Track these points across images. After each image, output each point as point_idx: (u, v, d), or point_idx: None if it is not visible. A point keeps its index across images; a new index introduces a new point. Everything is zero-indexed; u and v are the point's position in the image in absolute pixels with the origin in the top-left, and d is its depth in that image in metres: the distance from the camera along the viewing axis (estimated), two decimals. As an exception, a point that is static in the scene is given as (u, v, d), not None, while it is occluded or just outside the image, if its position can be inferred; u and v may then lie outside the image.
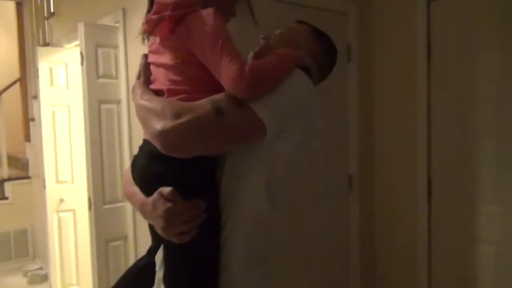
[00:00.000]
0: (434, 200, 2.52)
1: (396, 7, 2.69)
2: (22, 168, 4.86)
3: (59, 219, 3.50)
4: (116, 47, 2.73)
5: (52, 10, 3.89)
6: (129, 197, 1.17)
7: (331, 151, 2.66)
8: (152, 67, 1.13)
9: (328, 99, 2.59)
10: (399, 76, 2.69)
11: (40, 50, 3.46)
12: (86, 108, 2.66)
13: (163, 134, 0.92)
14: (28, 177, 4.69)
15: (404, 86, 2.66)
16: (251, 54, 1.21)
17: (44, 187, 3.48)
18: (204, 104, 0.95)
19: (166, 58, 1.07)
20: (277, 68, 1.02)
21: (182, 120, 0.91)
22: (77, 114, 3.43)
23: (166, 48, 1.07)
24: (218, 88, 0.99)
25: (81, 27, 2.62)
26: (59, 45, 3.66)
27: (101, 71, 2.68)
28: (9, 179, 4.58)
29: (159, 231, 1.00)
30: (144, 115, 1.02)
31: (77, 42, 3.31)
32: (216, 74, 1.00)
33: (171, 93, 1.04)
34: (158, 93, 1.07)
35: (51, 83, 3.47)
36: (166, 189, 0.97)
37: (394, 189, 2.75)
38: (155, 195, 0.99)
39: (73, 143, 3.51)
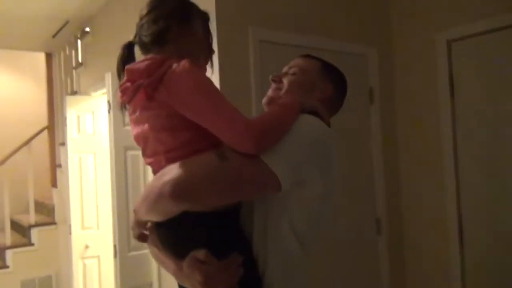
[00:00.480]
0: (466, 246, 2.43)
1: (416, 48, 2.70)
2: (48, 214, 4.90)
3: (84, 265, 3.50)
4: (141, 95, 2.79)
5: (80, 61, 4.05)
6: (160, 262, 1.14)
7: (357, 194, 2.62)
8: (138, 139, 1.09)
9: (351, 142, 2.58)
10: (423, 116, 2.67)
11: (69, 99, 3.58)
12: (112, 155, 2.70)
13: (171, 185, 0.90)
14: (54, 223, 4.72)
15: (429, 126, 2.63)
16: (265, 100, 1.22)
17: (70, 233, 3.50)
18: (207, 153, 0.95)
19: (150, 127, 1.01)
20: (281, 119, 0.99)
21: (186, 169, 0.91)
22: (103, 161, 3.49)
23: (148, 117, 1.01)
24: (213, 145, 0.97)
25: (108, 77, 2.71)
26: (86, 93, 3.78)
27: (127, 119, 2.73)
28: (36, 225, 4.62)
29: None
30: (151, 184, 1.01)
31: (104, 91, 3.43)
32: (214, 131, 0.95)
33: (169, 161, 0.99)
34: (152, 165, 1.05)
35: (78, 130, 3.56)
36: (199, 252, 0.96)
37: (423, 234, 2.66)
38: (189, 259, 0.97)
39: (98, 189, 3.55)
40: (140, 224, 1.09)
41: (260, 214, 1.05)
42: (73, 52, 4.20)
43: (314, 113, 1.09)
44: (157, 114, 1.00)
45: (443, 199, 2.52)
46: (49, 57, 4.98)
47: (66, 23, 3.90)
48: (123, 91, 1.05)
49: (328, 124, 1.13)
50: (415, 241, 2.71)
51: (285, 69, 1.27)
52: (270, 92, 1.24)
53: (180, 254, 1.01)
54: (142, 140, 1.07)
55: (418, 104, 2.69)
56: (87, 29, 3.84)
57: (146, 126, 1.03)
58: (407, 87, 2.75)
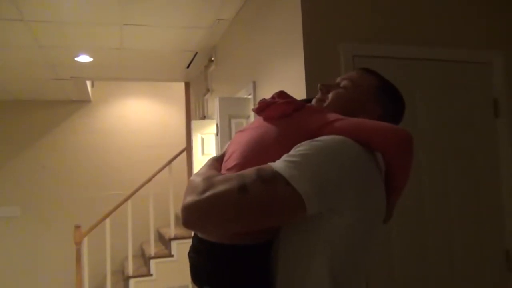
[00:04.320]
0: None
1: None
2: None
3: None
4: (248, 117, 2.89)
5: (207, 87, 4.39)
6: None
7: (482, 222, 2.26)
8: (232, 145, 1.12)
9: (472, 162, 2.25)
10: None
11: (194, 123, 3.89)
12: (220, 176, 2.83)
13: (184, 209, 0.90)
14: (191, 237, 5.12)
15: None
16: (313, 101, 1.14)
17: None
18: (231, 179, 0.91)
19: (264, 135, 1.04)
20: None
21: (203, 196, 0.88)
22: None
23: (272, 128, 1.04)
24: None
25: (216, 101, 2.87)
26: (211, 117, 4.07)
27: (235, 141, 2.85)
28: (175, 238, 5.08)
29: None
30: (186, 189, 1.01)
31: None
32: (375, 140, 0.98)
33: (240, 167, 1.00)
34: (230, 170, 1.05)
35: (203, 152, 3.83)
36: None
37: None
38: None
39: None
40: None
41: (289, 250, 0.97)
42: (203, 80, 4.57)
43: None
44: (283, 128, 1.03)
45: None
46: (187, 86, 5.52)
47: (196, 54, 4.27)
48: (260, 103, 1.12)
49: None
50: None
51: (338, 79, 1.17)
52: (313, 102, 1.16)
53: (197, 282, 1.00)
54: (235, 144, 1.10)
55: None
56: (213, 58, 4.15)
57: (255, 132, 1.07)
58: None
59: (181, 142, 5.61)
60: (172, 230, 5.09)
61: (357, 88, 1.11)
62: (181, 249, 5.06)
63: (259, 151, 1.03)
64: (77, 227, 4.44)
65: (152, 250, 4.98)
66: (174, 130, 6.13)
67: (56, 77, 4.75)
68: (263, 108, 1.11)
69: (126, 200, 4.83)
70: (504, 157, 2.30)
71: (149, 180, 4.94)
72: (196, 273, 1.05)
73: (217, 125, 2.87)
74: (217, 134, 2.86)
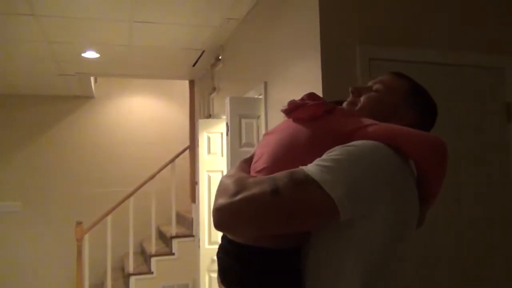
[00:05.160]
0: None
1: None
2: (188, 226, 5.35)
3: (210, 278, 3.70)
4: (258, 117, 2.89)
5: (213, 86, 4.38)
6: None
7: (491, 226, 2.27)
8: (260, 147, 1.12)
9: (484, 168, 2.26)
10: None
11: (201, 122, 3.88)
12: (230, 175, 2.82)
13: (216, 211, 0.90)
14: (192, 235, 5.13)
15: None
16: (344, 104, 1.14)
17: (199, 247, 3.75)
18: (263, 181, 0.90)
19: (294, 137, 1.04)
20: None
21: (236, 198, 0.88)
22: (229, 180, 3.68)
23: (303, 130, 1.04)
24: None
25: (227, 101, 2.87)
26: (217, 116, 4.07)
27: (244, 140, 2.86)
28: (176, 236, 5.07)
29: None
30: (216, 190, 1.01)
31: (230, 114, 3.64)
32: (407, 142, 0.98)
33: (269, 170, 1.00)
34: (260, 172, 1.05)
35: (209, 151, 3.83)
36: None
37: None
38: None
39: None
40: None
41: (320, 254, 0.96)
42: (210, 78, 4.56)
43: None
44: (314, 131, 1.03)
45: None
46: (192, 84, 5.51)
47: (203, 52, 4.26)
48: (289, 104, 1.11)
49: None
50: None
51: (370, 82, 1.16)
52: (344, 105, 1.15)
53: (226, 283, 1.00)
54: (263, 146, 1.11)
55: None
56: (220, 57, 4.14)
57: (286, 132, 1.07)
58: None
59: (184, 140, 5.61)
60: (173, 228, 5.09)
61: (390, 92, 1.10)
62: (182, 247, 5.06)
63: (289, 154, 1.02)
64: (79, 223, 4.43)
65: (153, 248, 4.97)
66: (177, 128, 6.12)
67: (61, 72, 4.72)
68: (292, 109, 1.10)
69: (128, 196, 4.82)
70: (517, 162, 2.31)
71: (152, 177, 4.93)
72: (225, 274, 1.05)
73: (227, 124, 2.86)
74: (227, 134, 2.86)
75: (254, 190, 0.89)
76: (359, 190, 0.89)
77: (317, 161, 0.93)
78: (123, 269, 5.54)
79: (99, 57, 4.22)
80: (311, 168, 0.91)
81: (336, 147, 0.95)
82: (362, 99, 1.12)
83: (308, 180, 0.88)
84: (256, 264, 0.97)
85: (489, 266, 2.25)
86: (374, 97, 1.10)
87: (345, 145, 0.95)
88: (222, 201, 0.90)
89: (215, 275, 3.71)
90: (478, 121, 2.29)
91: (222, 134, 3.84)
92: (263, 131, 2.84)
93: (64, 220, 5.45)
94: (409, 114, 1.08)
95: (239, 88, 3.47)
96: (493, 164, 2.30)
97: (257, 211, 0.87)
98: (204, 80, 4.86)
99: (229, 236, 1.03)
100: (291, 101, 1.13)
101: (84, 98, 6.03)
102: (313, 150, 0.99)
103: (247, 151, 2.87)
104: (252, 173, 1.07)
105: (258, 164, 1.06)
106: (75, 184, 5.87)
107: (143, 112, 6.25)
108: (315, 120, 1.04)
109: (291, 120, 1.11)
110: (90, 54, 4.13)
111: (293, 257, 1.00)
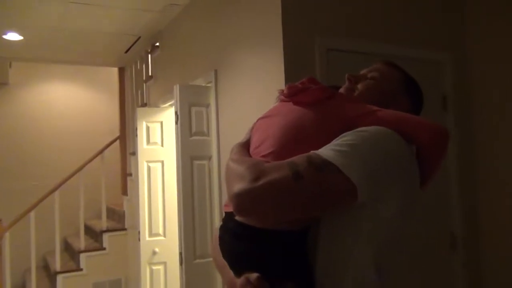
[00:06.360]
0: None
1: (493, 53, 2.54)
2: (119, 220, 5.14)
3: (151, 271, 3.61)
4: (208, 105, 2.86)
5: (150, 74, 4.23)
6: (218, 268, 1.13)
7: (429, 203, 2.48)
8: (260, 131, 1.10)
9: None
10: (503, 124, 2.49)
11: (139, 110, 3.74)
12: (179, 165, 2.77)
13: (238, 197, 0.88)
14: (124, 229, 4.94)
15: (509, 134, 2.45)
16: (341, 90, 1.17)
17: (139, 239, 3.63)
18: (283, 166, 0.90)
19: (300, 121, 1.04)
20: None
21: (258, 183, 0.87)
22: (170, 170, 3.60)
23: (309, 113, 1.05)
24: None
25: (176, 88, 2.80)
26: (155, 105, 3.94)
27: (194, 129, 2.81)
28: (107, 230, 4.85)
29: None
30: (227, 176, 0.99)
31: (172, 102, 3.55)
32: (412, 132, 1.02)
33: (277, 154, 0.99)
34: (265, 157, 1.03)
35: (148, 141, 3.70)
36: (252, 276, 0.93)
37: (503, 249, 2.47)
38: (242, 279, 0.94)
39: (166, 198, 3.66)
40: None
41: (331, 236, 0.98)
42: (144, 66, 4.40)
43: None
44: (320, 113, 1.04)
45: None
46: (121, 71, 5.26)
47: (138, 38, 4.10)
48: (290, 87, 1.10)
49: None
50: (493, 257, 2.52)
51: (363, 71, 1.19)
52: (341, 91, 1.17)
53: (237, 268, 0.99)
54: (263, 131, 1.09)
55: (496, 112, 2.52)
56: (157, 43, 4.01)
57: (287, 117, 1.06)
58: (484, 93, 2.59)
59: (113, 131, 5.36)
60: (104, 222, 4.86)
61: (386, 80, 1.14)
62: (113, 241, 4.86)
63: (296, 137, 1.02)
64: (-2, 220, 4.06)
65: (82, 243, 4.71)
66: (104, 118, 5.81)
67: (-26, 55, 4.27)
68: (295, 93, 1.10)
69: (53, 191, 4.50)
70: (450, 147, 2.55)
71: (80, 169, 4.66)
72: (235, 259, 1.03)
73: (176, 113, 2.80)
74: (176, 123, 2.79)
75: (276, 175, 0.88)
76: (375, 175, 0.92)
77: (331, 146, 0.94)
78: (46, 268, 5.18)
79: (22, 39, 3.86)
80: (327, 153, 0.92)
81: (348, 133, 0.97)
82: (359, 86, 1.15)
83: (327, 165, 0.89)
84: (275, 246, 0.98)
85: (426, 241, 2.46)
86: (372, 84, 1.14)
87: (357, 130, 0.98)
88: (242, 186, 0.88)
89: (156, 267, 3.63)
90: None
91: (161, 123, 3.73)
92: (213, 120, 2.82)
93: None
94: (404, 101, 1.14)
95: (182, 76, 3.39)
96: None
97: (281, 196, 0.87)
98: (137, 67, 4.66)
99: (239, 220, 1.01)
100: (290, 84, 1.12)
101: (-3, 84, 5.49)
102: (320, 134, 1.01)
103: (197, 140, 2.83)
104: (256, 157, 1.06)
105: (263, 148, 1.05)
106: (-10, 179, 5.34)
107: (65, 100, 5.83)
108: (319, 104, 1.06)
109: (290, 103, 1.10)
110: (12, 36, 3.77)
111: (304, 238, 1.01)
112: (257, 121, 1.18)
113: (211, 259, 2.75)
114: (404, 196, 0.97)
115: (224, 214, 1.11)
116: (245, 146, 1.13)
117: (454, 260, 2.51)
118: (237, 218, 1.00)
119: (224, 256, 1.07)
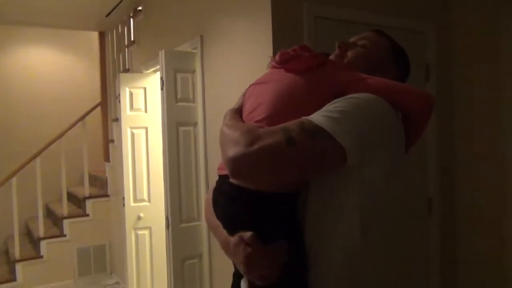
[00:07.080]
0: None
1: (476, 24, 2.59)
2: (101, 186, 5.14)
3: (136, 235, 3.66)
4: (193, 72, 2.85)
5: (132, 39, 4.15)
6: (212, 229, 1.17)
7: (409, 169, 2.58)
8: (253, 98, 1.12)
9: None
10: (481, 94, 2.57)
11: (122, 76, 3.69)
12: (165, 131, 2.78)
13: (233, 161, 0.90)
14: (107, 195, 4.95)
15: (488, 104, 2.53)
16: (331, 57, 1.19)
17: (123, 205, 3.66)
18: (276, 132, 0.92)
19: (293, 87, 1.06)
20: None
21: (253, 148, 0.89)
22: (154, 136, 3.60)
23: (301, 80, 1.07)
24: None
25: (162, 54, 2.77)
26: (138, 71, 3.89)
27: (179, 95, 2.81)
28: (90, 197, 4.86)
29: (241, 271, 1.00)
30: (222, 140, 1.01)
31: (155, 68, 3.52)
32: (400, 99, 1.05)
33: (271, 119, 1.02)
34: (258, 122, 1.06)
35: (131, 107, 3.67)
36: (246, 234, 0.97)
37: (478, 215, 2.59)
38: (236, 238, 0.99)
39: (150, 164, 3.67)
40: None
41: (320, 198, 1.02)
42: (126, 30, 4.30)
43: None
44: (310, 81, 1.07)
45: (502, 178, 2.44)
46: (102, 36, 5.13)
47: (120, 2, 3.99)
48: (283, 54, 1.12)
49: None
50: (469, 222, 2.65)
51: (353, 38, 1.21)
52: (331, 58, 1.19)
53: (231, 229, 1.03)
54: (256, 97, 1.11)
55: (477, 81, 2.59)
56: (140, 8, 3.92)
57: (280, 84, 1.08)
58: (466, 64, 2.65)
59: (94, 97, 5.28)
60: (86, 189, 4.86)
61: (375, 48, 1.17)
62: (96, 208, 4.88)
63: (289, 103, 1.05)
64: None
65: (65, 209, 4.71)
66: (84, 84, 5.71)
67: None
68: (287, 60, 1.12)
69: (35, 157, 4.46)
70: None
71: (61, 135, 4.61)
72: (230, 220, 1.07)
73: (161, 78, 2.78)
74: (162, 89, 2.78)
75: (269, 140, 0.90)
76: (364, 140, 0.95)
77: (323, 112, 0.97)
78: (28, 234, 5.19)
79: (-4, 0, 3.73)
80: (319, 119, 0.94)
81: (339, 99, 1.00)
82: (349, 54, 1.18)
83: (319, 131, 0.92)
84: (268, 208, 1.02)
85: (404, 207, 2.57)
86: (361, 52, 1.17)
87: (348, 97, 1.01)
88: (237, 150, 0.90)
89: (141, 232, 3.68)
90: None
91: (145, 89, 3.70)
92: (199, 86, 2.82)
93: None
94: (392, 69, 1.18)
95: (166, 42, 3.35)
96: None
97: (275, 161, 0.90)
98: (119, 32, 4.56)
99: (233, 182, 1.04)
100: (283, 51, 1.14)
101: (-30, 48, 5.30)
102: (312, 100, 1.04)
103: (183, 106, 2.83)
104: (250, 123, 1.08)
105: (256, 113, 1.07)
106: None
107: (44, 66, 5.68)
108: (310, 71, 1.08)
109: (282, 70, 1.12)
110: (-15, -4, 3.64)
111: (295, 200, 1.06)
112: (249, 87, 1.20)
113: (197, 223, 2.84)
114: (391, 161, 1.02)
115: (218, 177, 1.14)
116: (238, 112, 1.16)
117: (431, 224, 2.63)
118: (231, 181, 1.03)
119: (218, 218, 1.11)
